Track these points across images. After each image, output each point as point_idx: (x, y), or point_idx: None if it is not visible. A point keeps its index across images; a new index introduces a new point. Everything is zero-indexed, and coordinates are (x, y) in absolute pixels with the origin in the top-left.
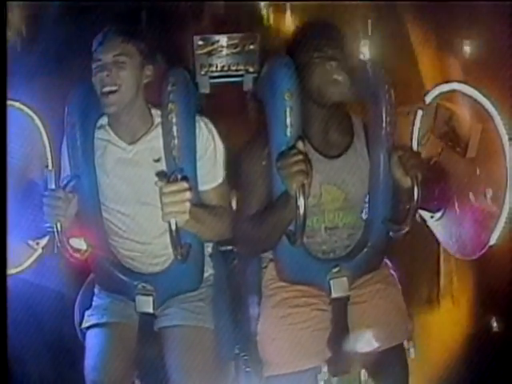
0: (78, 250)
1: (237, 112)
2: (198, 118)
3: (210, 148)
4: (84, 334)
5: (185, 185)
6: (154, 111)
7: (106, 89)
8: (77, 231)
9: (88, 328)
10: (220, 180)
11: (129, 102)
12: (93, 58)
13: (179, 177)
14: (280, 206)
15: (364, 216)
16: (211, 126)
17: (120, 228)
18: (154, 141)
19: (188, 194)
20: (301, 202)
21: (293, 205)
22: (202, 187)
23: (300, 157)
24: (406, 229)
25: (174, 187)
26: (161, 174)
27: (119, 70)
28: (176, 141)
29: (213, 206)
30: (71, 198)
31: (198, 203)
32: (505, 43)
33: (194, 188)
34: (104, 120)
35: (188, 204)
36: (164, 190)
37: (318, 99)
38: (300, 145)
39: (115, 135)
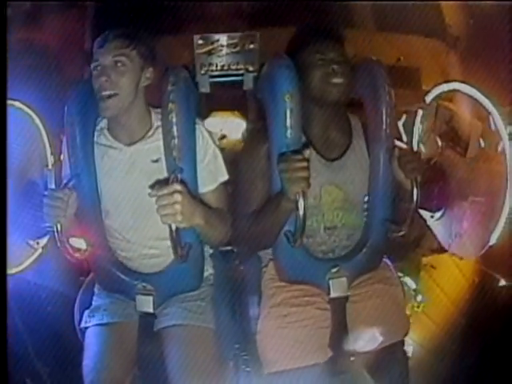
0: (77, 250)
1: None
2: (197, 121)
3: (210, 151)
4: (83, 334)
5: (174, 187)
6: (154, 114)
7: (105, 93)
8: (77, 231)
9: (87, 328)
10: (219, 183)
11: (127, 106)
12: (92, 58)
13: (179, 177)
14: (276, 204)
15: (363, 216)
16: (211, 132)
17: (119, 229)
18: (153, 142)
19: (178, 196)
20: (301, 204)
21: (287, 204)
22: (201, 189)
23: (305, 163)
24: (406, 230)
25: (164, 190)
26: (156, 182)
27: (118, 75)
28: (176, 141)
29: (215, 208)
30: (71, 198)
31: (207, 205)
32: (505, 43)
33: (192, 188)
34: (103, 123)
35: (178, 206)
36: (156, 194)
37: (318, 100)
38: (307, 153)
39: (113, 138)
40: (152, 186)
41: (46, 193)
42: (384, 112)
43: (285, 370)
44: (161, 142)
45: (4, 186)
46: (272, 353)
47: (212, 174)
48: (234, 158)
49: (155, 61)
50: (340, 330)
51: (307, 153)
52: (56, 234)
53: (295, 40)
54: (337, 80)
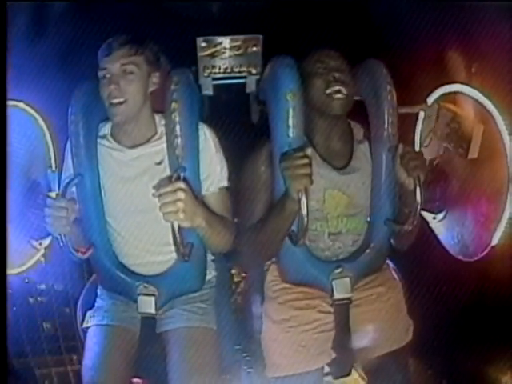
0: (80, 250)
1: (240, 114)
2: (200, 125)
3: (213, 154)
4: (85, 334)
5: (178, 185)
6: (157, 119)
7: (115, 100)
8: (80, 237)
9: (88, 328)
10: (221, 186)
11: (136, 112)
12: (99, 66)
13: (182, 175)
14: (279, 207)
15: (367, 219)
16: (214, 134)
17: (118, 230)
18: (157, 145)
19: (181, 194)
20: (303, 202)
21: (291, 206)
22: (204, 191)
23: (306, 160)
24: (409, 229)
25: (167, 188)
26: (159, 181)
27: (127, 83)
28: (179, 140)
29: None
30: (73, 205)
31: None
32: (506, 44)
33: (194, 188)
34: (106, 130)
35: (181, 204)
36: (159, 192)
37: (320, 108)
38: (309, 151)
39: (116, 143)
40: (155, 188)
41: (47, 203)
42: (386, 111)
43: (289, 375)
44: (164, 145)
45: (4, 187)
46: (275, 356)
47: (215, 177)
48: (236, 166)
49: (160, 64)
50: (343, 333)
51: (309, 150)
52: (60, 240)
53: (296, 49)
54: (338, 88)
